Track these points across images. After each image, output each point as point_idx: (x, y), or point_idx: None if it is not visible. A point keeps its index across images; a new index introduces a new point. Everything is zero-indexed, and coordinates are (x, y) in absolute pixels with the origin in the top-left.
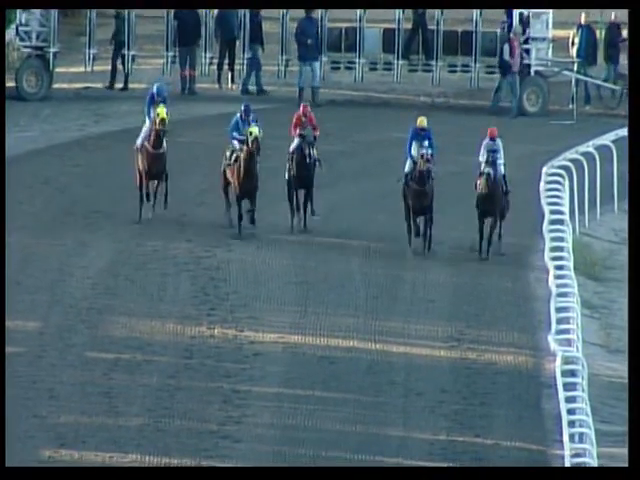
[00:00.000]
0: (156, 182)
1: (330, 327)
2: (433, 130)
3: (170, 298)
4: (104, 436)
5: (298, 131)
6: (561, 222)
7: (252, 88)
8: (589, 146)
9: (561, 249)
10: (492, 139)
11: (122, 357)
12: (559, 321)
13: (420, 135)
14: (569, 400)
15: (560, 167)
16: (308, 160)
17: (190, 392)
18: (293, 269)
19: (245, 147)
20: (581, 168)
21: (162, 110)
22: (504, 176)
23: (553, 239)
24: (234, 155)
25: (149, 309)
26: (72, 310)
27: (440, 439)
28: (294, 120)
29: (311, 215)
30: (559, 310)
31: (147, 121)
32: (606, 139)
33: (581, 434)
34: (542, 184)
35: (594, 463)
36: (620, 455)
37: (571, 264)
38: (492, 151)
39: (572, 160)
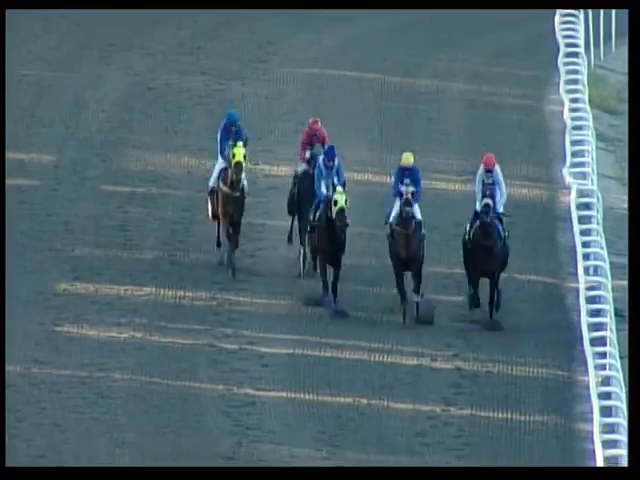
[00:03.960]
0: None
1: (344, 161)
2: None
3: (185, 131)
4: (119, 269)
5: (307, 155)
6: (576, 55)
7: None
8: None
9: (576, 82)
10: (488, 170)
11: (137, 190)
12: (574, 154)
13: (406, 175)
14: (584, 233)
15: None
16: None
17: (205, 225)
18: (307, 103)
19: (327, 217)
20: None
21: (238, 151)
22: (500, 217)
23: (568, 72)
24: (318, 214)
25: (164, 142)
26: (87, 143)
27: (455, 272)
28: (303, 138)
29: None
30: (574, 143)
31: (220, 159)
32: None
33: (596, 267)
34: (557, 17)
35: (609, 296)
36: None
37: (586, 97)
38: (489, 186)
39: None
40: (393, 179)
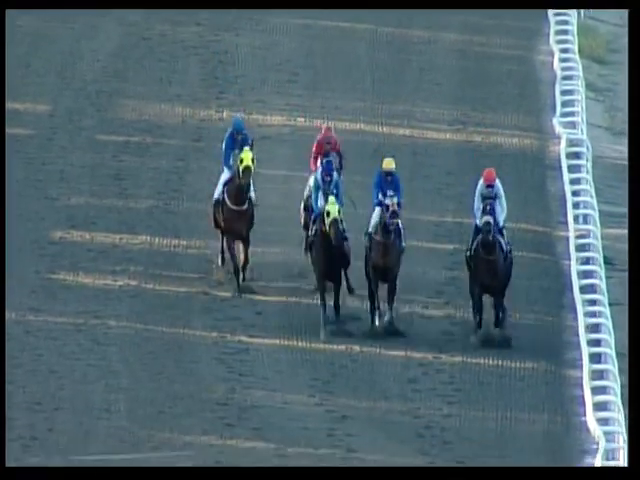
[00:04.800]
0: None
1: (337, 111)
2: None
3: (179, 81)
4: (114, 218)
5: (319, 164)
6: None
7: None
8: None
9: (566, 32)
10: (489, 185)
11: (132, 140)
12: (564, 104)
13: (387, 182)
14: (573, 182)
15: None
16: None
17: (199, 174)
18: (301, 54)
19: (322, 231)
20: None
21: (247, 155)
22: (502, 231)
23: (558, 23)
24: (314, 229)
25: (158, 92)
26: (82, 93)
27: (446, 221)
28: (314, 149)
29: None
30: (564, 93)
31: (226, 170)
32: None
33: (585, 215)
34: None
35: (598, 244)
36: (623, 236)
37: (576, 47)
38: (489, 200)
39: None
40: (373, 186)
